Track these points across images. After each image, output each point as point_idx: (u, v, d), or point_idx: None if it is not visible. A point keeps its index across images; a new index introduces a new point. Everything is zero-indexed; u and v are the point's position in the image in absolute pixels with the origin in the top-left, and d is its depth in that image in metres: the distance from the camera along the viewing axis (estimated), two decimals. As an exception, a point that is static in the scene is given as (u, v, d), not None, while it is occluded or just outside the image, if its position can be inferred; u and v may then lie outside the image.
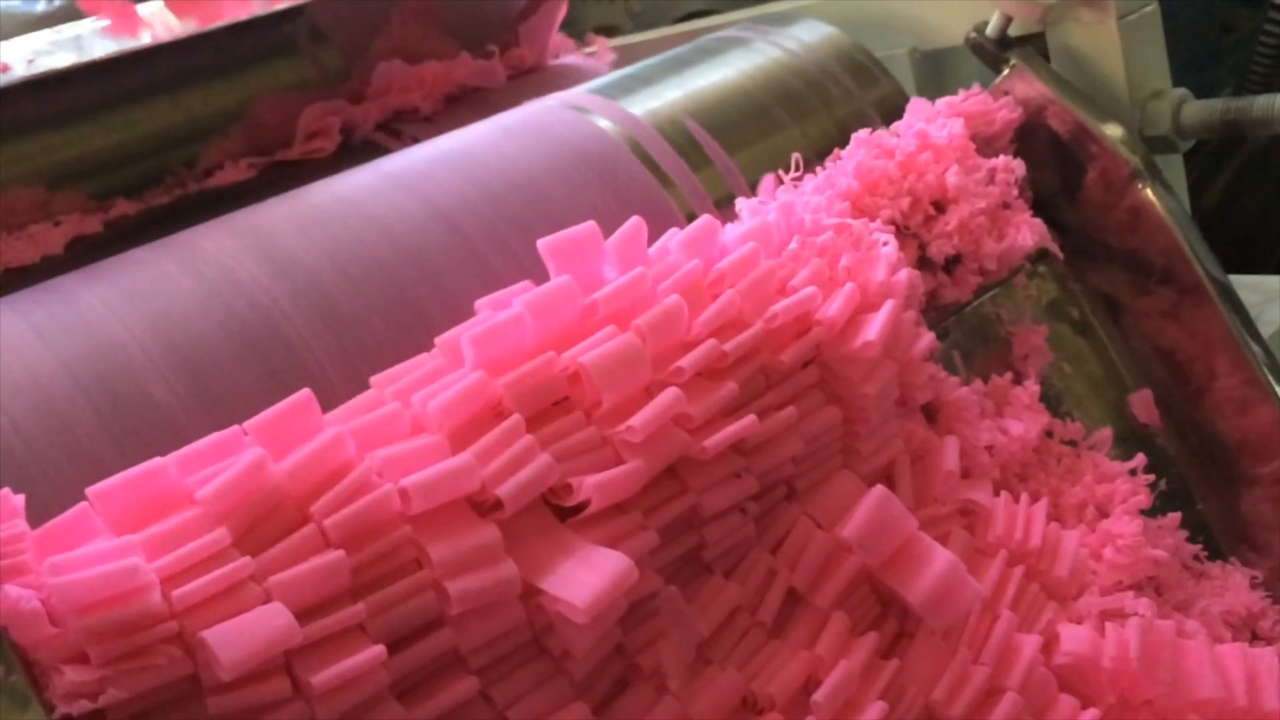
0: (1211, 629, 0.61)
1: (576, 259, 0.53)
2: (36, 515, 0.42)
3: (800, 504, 0.54)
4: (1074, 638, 0.55)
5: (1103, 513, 0.64)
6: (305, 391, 0.45)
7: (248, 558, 0.40)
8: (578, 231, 0.53)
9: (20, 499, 0.41)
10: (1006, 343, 0.70)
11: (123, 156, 0.76)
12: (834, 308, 0.55)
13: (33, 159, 0.71)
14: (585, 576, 0.43)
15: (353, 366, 0.53)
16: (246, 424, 0.45)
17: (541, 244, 0.53)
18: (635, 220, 0.55)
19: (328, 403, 0.47)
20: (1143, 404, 0.72)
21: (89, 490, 0.42)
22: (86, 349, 0.51)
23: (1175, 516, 0.66)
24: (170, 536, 0.41)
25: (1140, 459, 0.66)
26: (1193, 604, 0.63)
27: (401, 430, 0.46)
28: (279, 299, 0.54)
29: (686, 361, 0.49)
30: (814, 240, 0.58)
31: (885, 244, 0.59)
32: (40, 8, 0.96)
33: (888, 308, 0.56)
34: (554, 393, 0.48)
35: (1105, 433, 0.68)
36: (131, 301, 0.53)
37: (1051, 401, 0.69)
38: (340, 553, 0.41)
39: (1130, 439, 0.70)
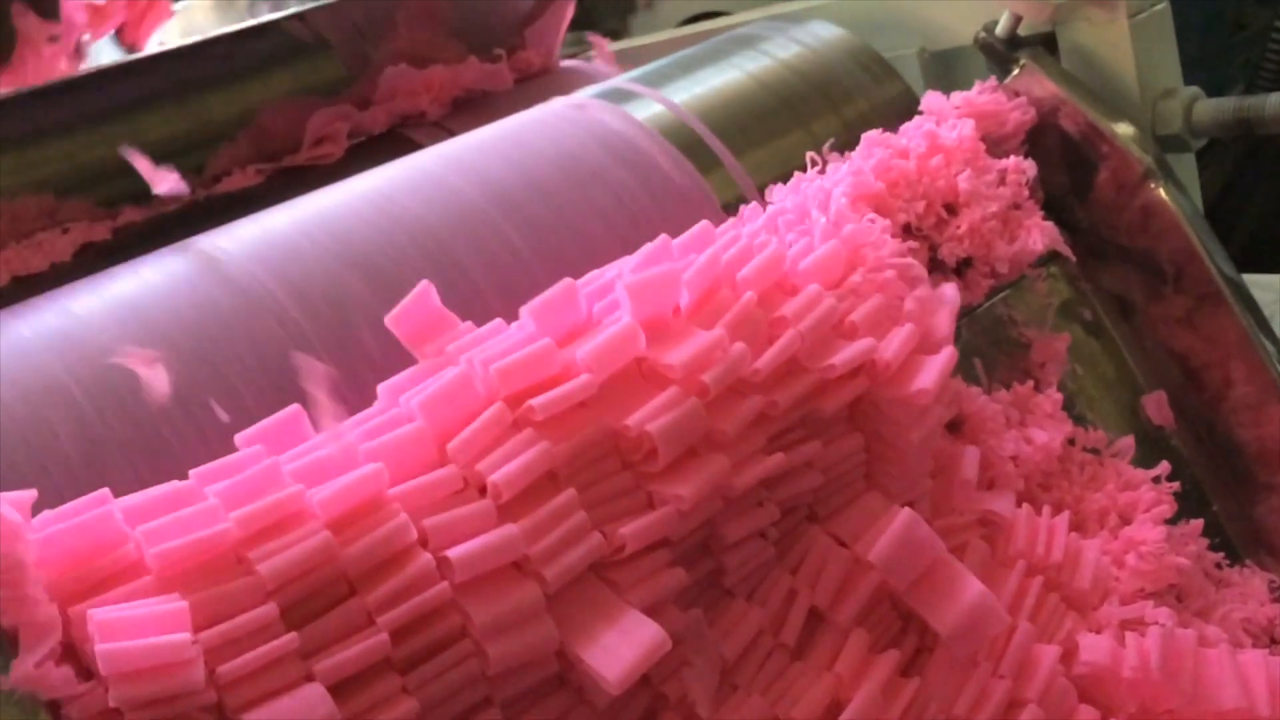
0: (1232, 635, 0.61)
1: (653, 298, 0.51)
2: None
3: (824, 525, 0.54)
4: (1093, 647, 0.54)
5: (1125, 520, 0.64)
6: (295, 408, 0.46)
7: (294, 634, 0.40)
8: (656, 274, 0.51)
9: (28, 495, 0.41)
10: (1020, 344, 0.69)
11: (130, 164, 0.75)
12: (891, 350, 0.54)
13: (40, 167, 0.71)
14: (619, 647, 0.43)
15: (357, 375, 0.53)
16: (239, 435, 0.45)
17: (623, 285, 0.50)
18: (702, 228, 0.54)
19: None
20: (1157, 405, 0.71)
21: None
22: (93, 359, 0.51)
23: (1197, 524, 0.66)
24: (221, 604, 0.40)
25: (1164, 466, 0.65)
26: (1213, 610, 0.63)
27: (454, 491, 0.45)
28: (288, 305, 0.54)
29: (738, 418, 0.49)
30: (876, 275, 0.57)
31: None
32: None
33: (946, 354, 0.55)
34: (612, 461, 0.48)
35: (1127, 440, 0.68)
36: (138, 310, 0.53)
37: (1064, 404, 0.69)
38: (384, 636, 0.41)
39: (1144, 441, 0.70)
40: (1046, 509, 0.61)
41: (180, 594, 0.40)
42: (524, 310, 0.50)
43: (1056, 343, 0.69)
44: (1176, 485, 0.65)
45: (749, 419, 0.49)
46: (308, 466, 0.43)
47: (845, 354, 0.53)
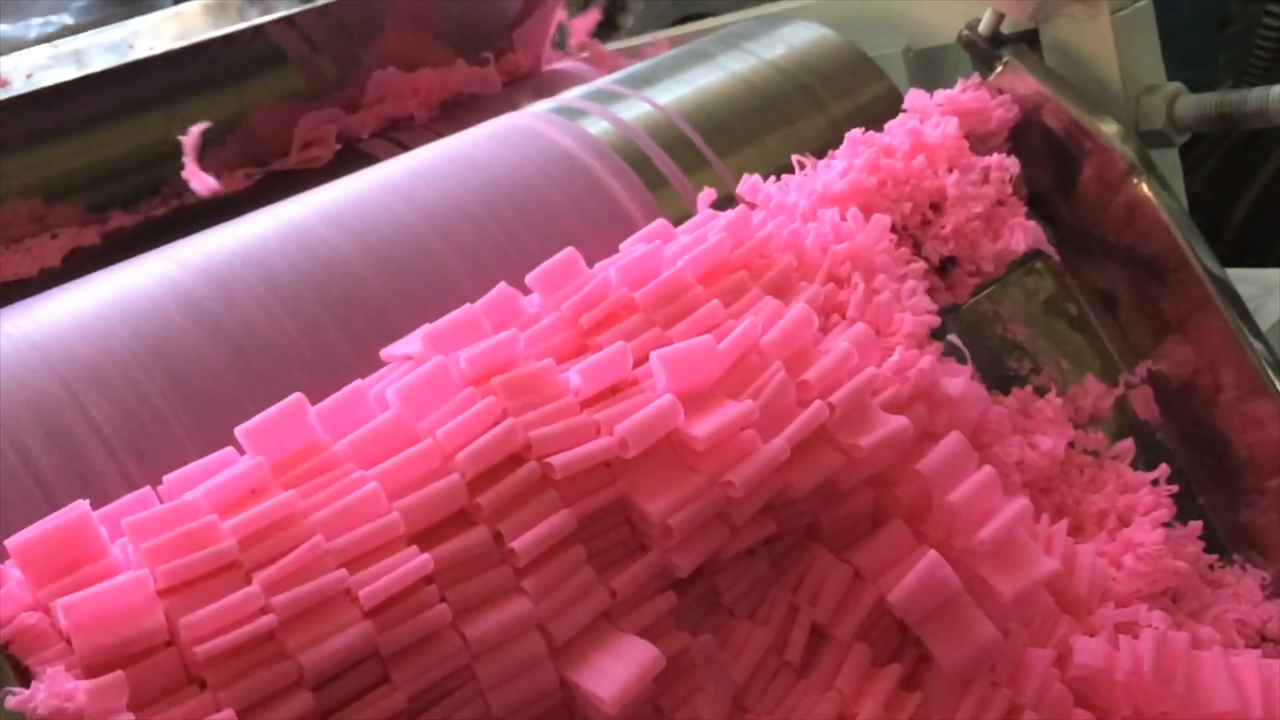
0: (1226, 635, 0.61)
1: (689, 372, 0.51)
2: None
3: (844, 554, 0.53)
4: (1087, 650, 0.54)
5: (1124, 522, 0.64)
6: (298, 396, 0.46)
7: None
8: (693, 347, 0.50)
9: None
10: (1007, 341, 0.70)
11: (119, 168, 0.76)
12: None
13: (29, 172, 0.72)
14: (613, 668, 0.44)
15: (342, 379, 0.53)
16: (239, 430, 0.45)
17: (659, 357, 0.50)
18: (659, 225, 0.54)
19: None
20: (1142, 399, 0.72)
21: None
22: (81, 360, 0.51)
23: (1195, 526, 0.65)
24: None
25: (1163, 469, 0.65)
26: (1206, 610, 0.63)
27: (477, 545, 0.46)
28: (272, 308, 0.55)
29: (756, 504, 0.49)
30: (910, 367, 0.56)
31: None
32: (34, 34, 0.97)
33: (954, 440, 0.55)
34: (617, 518, 0.48)
35: (1127, 443, 0.68)
36: (124, 312, 0.53)
37: (1051, 399, 0.69)
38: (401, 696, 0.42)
39: (1130, 435, 0.70)
40: (1045, 517, 0.61)
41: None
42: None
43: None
44: (1175, 488, 0.65)
45: (765, 500, 0.50)
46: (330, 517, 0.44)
47: (878, 435, 0.51)
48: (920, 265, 0.64)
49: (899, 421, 0.52)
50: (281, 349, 0.53)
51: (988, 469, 0.54)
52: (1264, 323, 0.72)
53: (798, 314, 0.54)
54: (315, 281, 0.56)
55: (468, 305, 0.51)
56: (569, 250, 0.54)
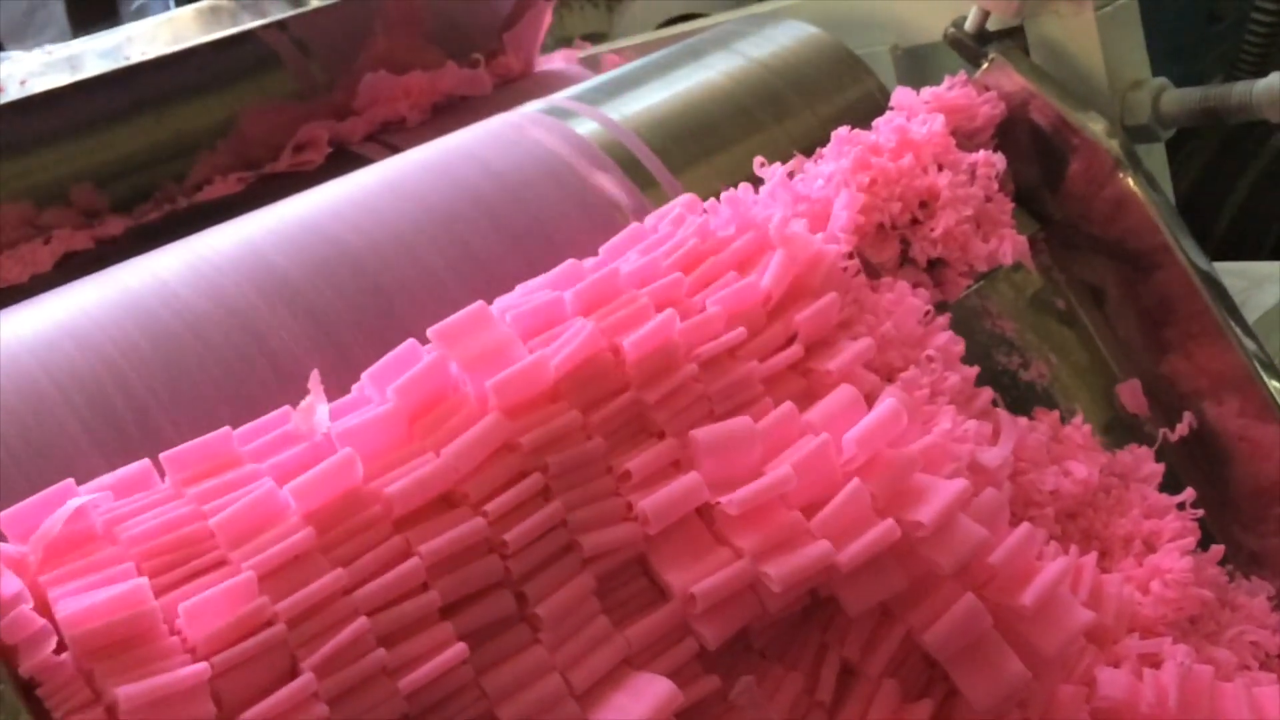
0: (1241, 658, 0.61)
1: (728, 460, 0.50)
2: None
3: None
4: (1111, 683, 0.54)
5: (1150, 547, 0.64)
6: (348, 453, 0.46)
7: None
8: (733, 431, 0.50)
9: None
10: (997, 336, 0.70)
11: (112, 173, 0.76)
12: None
13: (21, 178, 0.72)
14: (630, 706, 0.45)
15: (339, 379, 0.54)
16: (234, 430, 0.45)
17: (699, 437, 0.50)
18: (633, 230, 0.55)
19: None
20: (1131, 393, 0.72)
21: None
22: (74, 362, 0.51)
23: (1216, 550, 0.65)
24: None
25: (1189, 493, 0.65)
26: (1222, 633, 0.63)
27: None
28: (265, 311, 0.55)
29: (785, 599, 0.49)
30: (955, 439, 0.56)
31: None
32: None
33: (989, 498, 0.54)
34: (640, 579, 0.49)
35: (1158, 467, 0.68)
36: (117, 314, 0.53)
37: (1040, 393, 0.70)
38: None
39: (1119, 428, 0.70)
40: (1074, 548, 0.60)
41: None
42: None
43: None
44: (1201, 512, 0.65)
45: (808, 588, 0.49)
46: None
47: (932, 508, 0.50)
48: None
49: (977, 531, 0.51)
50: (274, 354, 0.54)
51: (1025, 526, 0.53)
52: (1251, 315, 0.73)
53: (848, 394, 0.53)
54: (314, 281, 0.57)
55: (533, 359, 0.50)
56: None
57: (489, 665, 0.45)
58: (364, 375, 0.50)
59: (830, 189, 0.65)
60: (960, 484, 0.51)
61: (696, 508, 0.49)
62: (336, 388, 0.52)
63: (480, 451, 0.47)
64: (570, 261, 0.56)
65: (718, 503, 0.48)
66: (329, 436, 0.47)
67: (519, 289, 0.55)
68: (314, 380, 0.48)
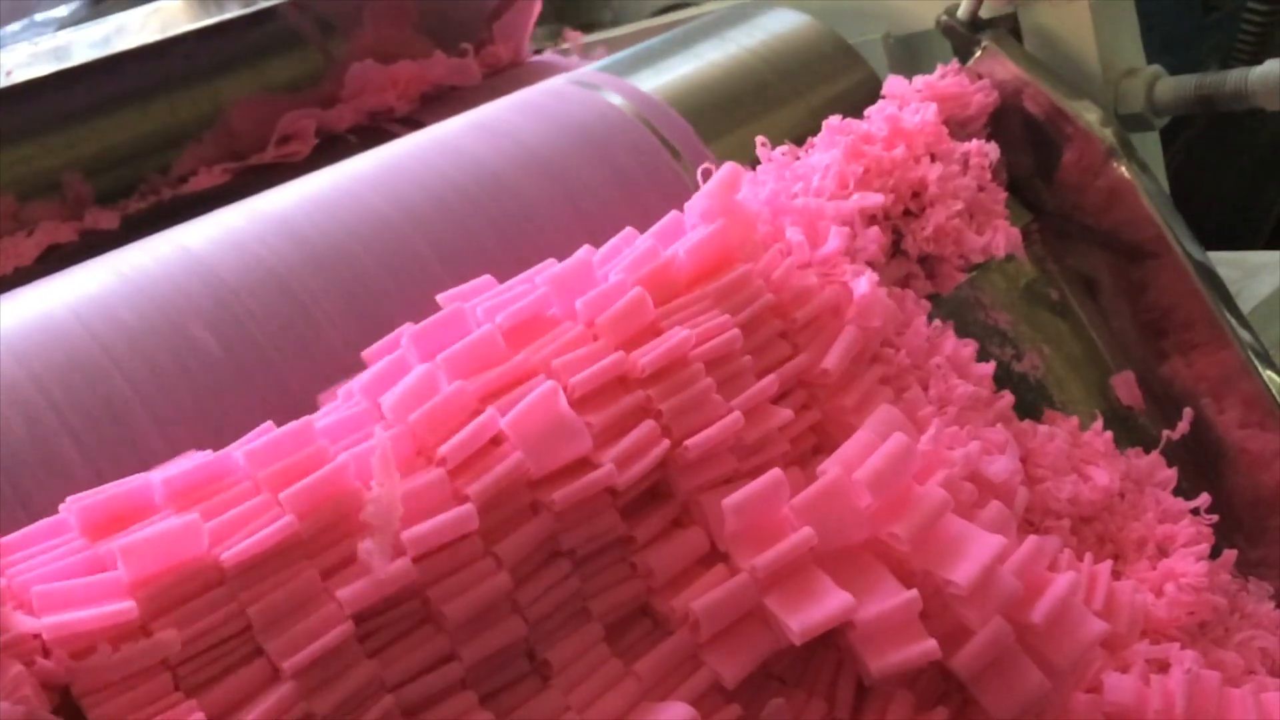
0: (1248, 662, 0.60)
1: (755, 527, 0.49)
2: (5, 528, 0.42)
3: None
4: (1118, 688, 0.53)
5: (1163, 552, 0.63)
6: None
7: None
8: (761, 490, 0.49)
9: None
10: (990, 327, 0.70)
11: (97, 165, 0.75)
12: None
13: (5, 170, 0.71)
14: None
15: (325, 375, 0.53)
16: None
17: (729, 506, 0.48)
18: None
19: (297, 409, 0.48)
20: (1125, 385, 0.72)
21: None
22: (54, 356, 0.51)
23: (1229, 555, 0.65)
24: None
25: (1204, 498, 0.65)
26: (1230, 636, 0.62)
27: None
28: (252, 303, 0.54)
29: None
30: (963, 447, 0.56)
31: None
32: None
33: (995, 511, 0.53)
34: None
35: (1170, 472, 0.67)
36: (99, 306, 0.53)
37: (1034, 386, 0.69)
38: None
39: (1113, 420, 0.70)
40: (1089, 556, 0.59)
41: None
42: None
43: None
44: (1215, 518, 0.64)
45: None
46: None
47: (969, 569, 0.48)
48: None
49: (1011, 584, 0.50)
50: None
51: (1032, 539, 0.52)
52: (1246, 305, 0.72)
53: (899, 446, 0.51)
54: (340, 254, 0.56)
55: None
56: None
57: (504, 714, 0.45)
58: (405, 336, 0.49)
59: (830, 181, 0.64)
60: (998, 541, 0.49)
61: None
62: (326, 380, 0.52)
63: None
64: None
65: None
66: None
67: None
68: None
